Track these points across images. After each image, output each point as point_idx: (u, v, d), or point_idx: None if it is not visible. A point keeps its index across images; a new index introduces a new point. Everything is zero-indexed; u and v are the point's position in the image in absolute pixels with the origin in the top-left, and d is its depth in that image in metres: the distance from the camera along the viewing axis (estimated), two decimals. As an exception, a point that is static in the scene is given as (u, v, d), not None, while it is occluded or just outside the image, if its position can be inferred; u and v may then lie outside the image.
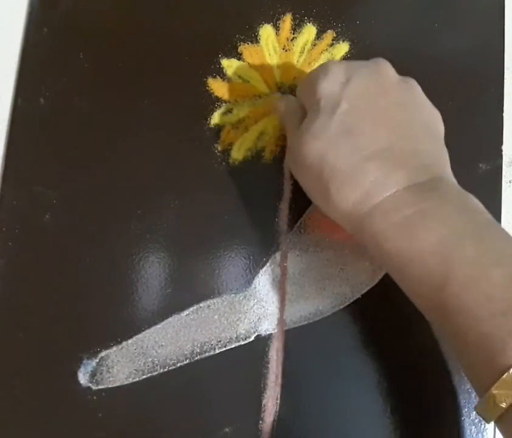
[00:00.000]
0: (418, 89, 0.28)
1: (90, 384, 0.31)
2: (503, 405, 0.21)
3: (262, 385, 0.32)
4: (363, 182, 0.25)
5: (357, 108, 0.26)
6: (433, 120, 0.28)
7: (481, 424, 0.32)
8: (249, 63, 0.35)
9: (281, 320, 0.32)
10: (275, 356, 0.32)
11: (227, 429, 0.32)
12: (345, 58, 0.36)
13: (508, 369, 0.21)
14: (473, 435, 0.32)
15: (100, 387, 0.31)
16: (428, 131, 0.27)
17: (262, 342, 0.32)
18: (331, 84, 0.26)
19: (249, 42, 0.36)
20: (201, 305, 0.33)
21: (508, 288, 0.22)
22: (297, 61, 0.36)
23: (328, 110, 0.26)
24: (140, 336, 0.32)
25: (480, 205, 0.25)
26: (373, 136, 0.26)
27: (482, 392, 0.23)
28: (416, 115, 0.27)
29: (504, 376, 0.21)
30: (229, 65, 0.35)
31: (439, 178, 0.26)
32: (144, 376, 0.32)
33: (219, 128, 0.34)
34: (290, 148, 0.30)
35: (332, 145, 0.26)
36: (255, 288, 0.33)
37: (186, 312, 0.32)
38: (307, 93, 0.28)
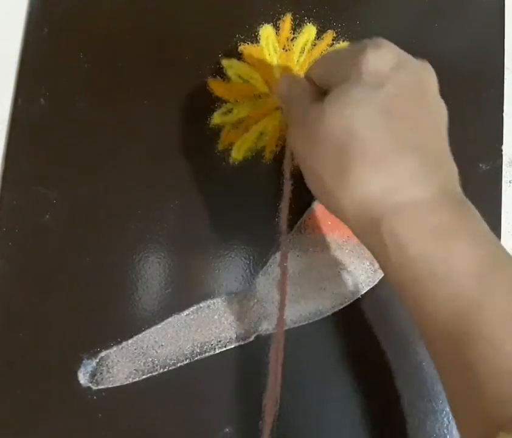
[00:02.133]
0: (447, 115, 0.26)
1: (90, 384, 0.31)
2: None
3: (262, 385, 0.32)
4: (397, 169, 0.22)
5: (402, 97, 0.23)
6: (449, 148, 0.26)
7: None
8: (248, 63, 0.35)
9: (281, 320, 0.32)
10: (275, 356, 0.32)
11: (227, 429, 0.32)
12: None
13: None
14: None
15: (100, 387, 0.32)
16: (452, 157, 0.25)
17: (262, 342, 0.32)
18: (379, 61, 0.23)
19: (249, 42, 0.36)
20: (201, 305, 0.33)
21: None
22: (297, 61, 0.36)
23: (371, 85, 0.23)
24: (140, 336, 0.32)
25: None
26: (414, 131, 0.23)
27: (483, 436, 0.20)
28: (446, 136, 0.25)
29: None
30: (229, 65, 0.35)
31: (466, 198, 0.24)
32: (144, 376, 0.32)
33: (219, 128, 0.34)
34: (298, 121, 0.26)
35: (368, 121, 0.23)
36: (255, 288, 0.33)
37: (186, 312, 0.32)
38: (342, 66, 0.25)
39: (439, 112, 0.25)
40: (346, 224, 0.25)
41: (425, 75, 0.25)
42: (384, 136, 0.23)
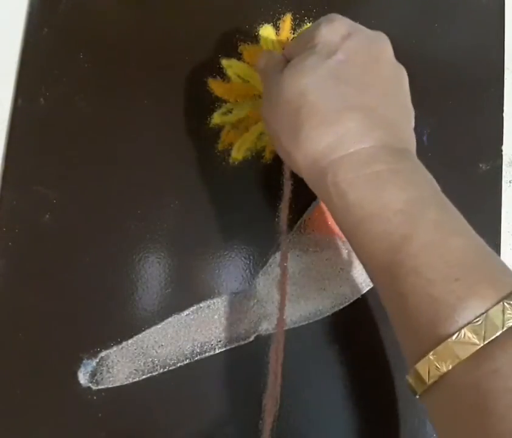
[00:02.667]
0: (406, 79, 0.28)
1: (90, 384, 0.31)
2: (440, 371, 0.21)
3: (262, 385, 0.32)
4: (341, 127, 0.25)
5: (351, 63, 0.26)
6: (411, 111, 0.28)
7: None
8: (248, 63, 0.35)
9: (281, 320, 0.32)
10: (275, 356, 0.32)
11: (227, 429, 0.32)
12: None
13: (452, 335, 0.21)
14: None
15: (100, 387, 0.32)
16: (407, 118, 0.28)
17: (262, 342, 0.32)
18: (331, 33, 0.27)
19: (249, 42, 0.36)
20: (201, 305, 0.33)
21: (465, 257, 0.22)
22: (297, 61, 0.36)
23: (323, 54, 0.26)
24: (140, 336, 0.32)
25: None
26: (361, 93, 0.26)
27: (417, 358, 0.22)
28: (401, 99, 0.28)
29: (448, 341, 0.21)
30: (229, 65, 0.35)
31: (411, 152, 0.27)
32: (144, 376, 0.32)
33: (219, 128, 0.34)
34: (266, 90, 0.30)
35: (318, 86, 0.25)
36: (255, 288, 0.33)
37: (186, 312, 0.32)
38: (303, 41, 0.28)
39: (393, 76, 0.28)
40: (304, 179, 0.28)
41: (377, 43, 0.28)
42: (331, 98, 0.25)
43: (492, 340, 0.20)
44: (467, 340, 0.20)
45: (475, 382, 0.20)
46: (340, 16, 0.28)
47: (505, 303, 0.21)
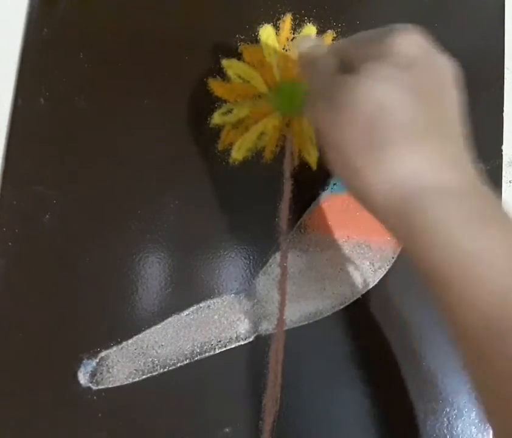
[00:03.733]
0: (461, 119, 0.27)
1: (90, 384, 0.31)
2: None
3: (262, 385, 0.32)
4: (429, 151, 0.22)
5: (428, 80, 0.24)
6: None
7: (481, 424, 0.32)
8: (248, 63, 0.35)
9: (281, 320, 0.32)
10: (275, 356, 0.32)
11: (227, 429, 0.32)
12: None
13: None
14: (474, 435, 0.32)
15: (100, 387, 0.32)
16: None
17: (263, 342, 0.32)
18: (410, 45, 0.24)
19: (249, 42, 0.36)
20: (201, 305, 0.33)
21: None
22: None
23: (400, 66, 0.23)
24: (140, 336, 0.32)
25: None
26: (440, 114, 0.24)
27: None
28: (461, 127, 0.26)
29: None
30: (229, 65, 0.35)
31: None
32: (144, 376, 0.32)
33: (219, 128, 0.34)
34: (323, 93, 0.26)
35: (398, 98, 0.23)
36: (255, 288, 0.33)
37: (186, 312, 0.32)
38: (374, 46, 0.25)
39: (456, 106, 0.26)
40: (369, 205, 0.24)
41: (449, 67, 0.25)
42: (414, 115, 0.23)
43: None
44: None
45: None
46: (416, 29, 0.25)
47: None
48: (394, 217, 0.23)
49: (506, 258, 0.20)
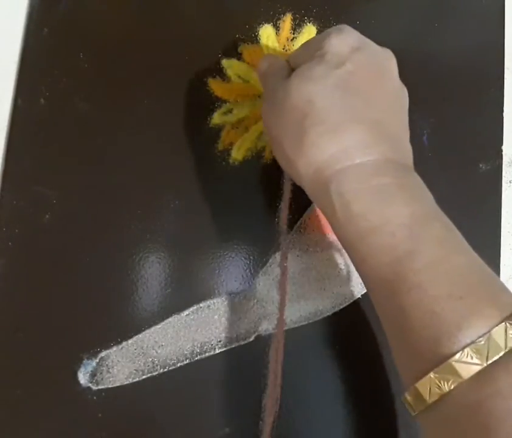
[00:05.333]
0: (407, 99, 0.29)
1: (90, 384, 0.31)
2: (441, 391, 0.21)
3: (262, 385, 0.32)
4: (347, 138, 0.25)
5: (359, 75, 0.26)
6: (408, 130, 0.29)
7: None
8: (248, 63, 0.35)
9: (281, 320, 0.32)
10: (275, 356, 0.32)
11: (227, 429, 0.32)
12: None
13: (455, 354, 0.21)
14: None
15: (100, 387, 0.32)
16: (407, 135, 0.28)
17: (263, 342, 0.32)
18: (341, 43, 0.27)
19: (249, 42, 0.36)
20: (201, 305, 0.33)
21: (469, 275, 0.22)
22: (297, 61, 0.36)
23: (332, 64, 0.26)
24: (140, 336, 0.32)
25: None
26: (367, 106, 0.26)
27: (417, 376, 0.22)
28: (402, 116, 0.28)
29: (450, 360, 0.20)
30: (229, 65, 0.35)
31: (412, 168, 0.27)
32: (144, 376, 0.32)
33: (219, 128, 0.34)
34: (269, 95, 0.29)
35: (326, 95, 0.25)
36: (255, 288, 0.33)
37: (186, 312, 0.32)
38: (311, 48, 0.28)
39: (396, 93, 0.28)
40: (304, 188, 0.27)
41: (384, 59, 0.28)
42: (338, 108, 0.25)
43: (494, 360, 0.20)
44: (470, 360, 0.20)
45: (478, 403, 0.20)
46: (349, 28, 0.28)
47: (507, 324, 0.20)
48: (320, 198, 0.26)
49: (403, 228, 0.23)
